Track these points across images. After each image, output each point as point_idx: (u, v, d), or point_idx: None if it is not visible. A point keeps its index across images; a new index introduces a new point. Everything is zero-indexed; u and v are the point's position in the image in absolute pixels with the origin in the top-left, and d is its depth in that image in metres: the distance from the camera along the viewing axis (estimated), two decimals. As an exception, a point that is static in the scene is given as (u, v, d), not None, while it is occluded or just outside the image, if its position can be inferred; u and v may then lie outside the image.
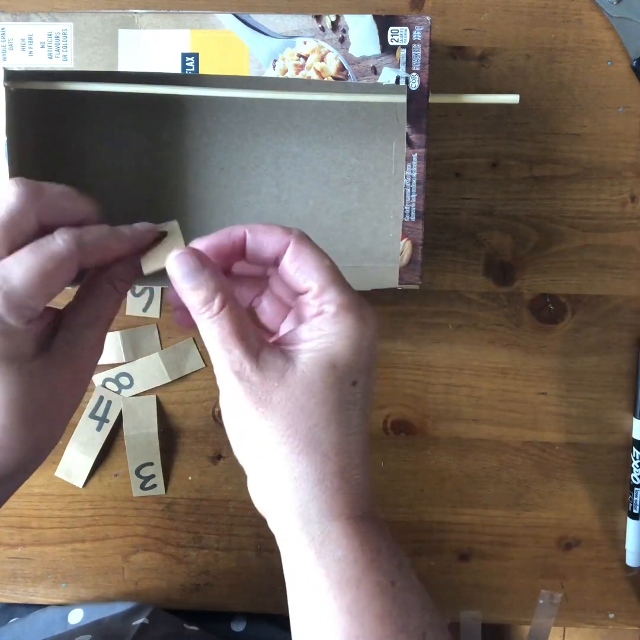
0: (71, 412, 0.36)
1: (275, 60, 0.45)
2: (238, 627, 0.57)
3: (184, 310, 0.33)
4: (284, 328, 0.36)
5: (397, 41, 0.45)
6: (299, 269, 0.32)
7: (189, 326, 0.34)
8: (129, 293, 0.54)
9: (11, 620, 0.57)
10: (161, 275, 0.44)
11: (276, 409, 0.30)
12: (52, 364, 0.33)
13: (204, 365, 0.55)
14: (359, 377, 0.31)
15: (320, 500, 0.30)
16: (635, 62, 0.51)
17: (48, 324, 0.34)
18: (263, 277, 0.37)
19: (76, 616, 0.55)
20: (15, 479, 0.35)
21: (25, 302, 0.30)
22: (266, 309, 0.36)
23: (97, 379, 0.55)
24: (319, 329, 0.31)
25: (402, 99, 0.43)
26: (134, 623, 0.51)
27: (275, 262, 0.33)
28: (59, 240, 0.31)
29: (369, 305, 0.32)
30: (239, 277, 0.36)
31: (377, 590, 0.30)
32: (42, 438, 0.35)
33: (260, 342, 0.31)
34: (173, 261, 0.31)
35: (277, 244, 0.32)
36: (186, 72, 0.45)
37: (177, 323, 0.35)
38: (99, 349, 0.36)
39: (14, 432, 0.32)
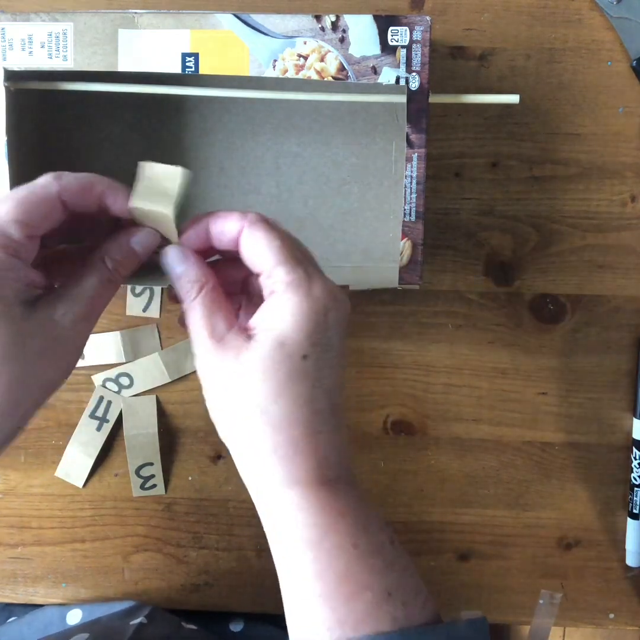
0: (45, 395, 0.35)
1: (275, 60, 0.45)
2: (236, 627, 0.57)
3: None
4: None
5: (397, 41, 0.45)
6: (251, 251, 0.34)
7: None
8: (129, 293, 0.54)
9: (9, 620, 0.56)
10: (161, 274, 0.44)
11: (232, 385, 0.32)
12: (36, 324, 0.33)
13: (204, 365, 0.55)
14: (310, 351, 0.32)
15: (277, 468, 0.32)
16: (635, 62, 0.51)
17: (36, 282, 0.34)
18: None
19: (75, 616, 0.55)
20: None
21: (4, 226, 0.32)
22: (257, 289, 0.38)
23: (97, 379, 0.55)
24: (270, 310, 0.33)
25: (402, 99, 0.43)
26: (132, 622, 0.51)
27: (236, 246, 0.35)
28: (41, 179, 0.33)
29: (323, 280, 0.33)
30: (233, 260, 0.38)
31: (337, 551, 0.32)
32: (21, 415, 0.35)
33: (227, 327, 0.33)
34: (168, 252, 0.35)
35: (233, 228, 0.34)
36: (186, 72, 0.45)
37: (181, 325, 0.37)
38: (83, 333, 0.35)
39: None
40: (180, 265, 0.35)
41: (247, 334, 0.33)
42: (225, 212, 0.35)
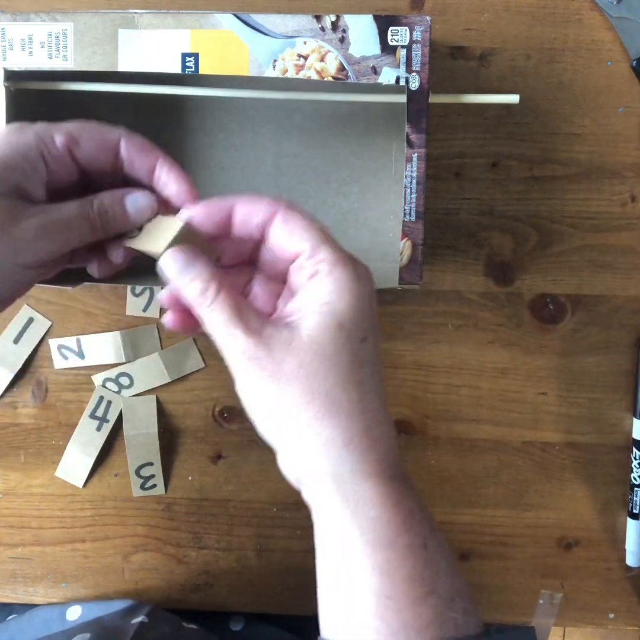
0: None
1: (275, 60, 0.45)
2: (236, 626, 0.57)
3: (176, 312, 0.34)
4: (280, 307, 0.36)
5: (397, 41, 0.45)
6: (289, 233, 0.32)
7: (182, 329, 0.35)
8: (129, 293, 0.54)
9: (9, 617, 0.57)
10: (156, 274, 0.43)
11: (290, 379, 0.30)
12: (3, 212, 0.34)
13: (204, 365, 0.55)
14: (367, 333, 0.31)
15: (351, 461, 0.30)
16: (635, 62, 0.51)
17: (34, 194, 0.35)
18: (249, 264, 0.37)
19: (74, 613, 0.55)
20: None
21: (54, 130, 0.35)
22: (258, 294, 0.36)
23: (97, 379, 0.55)
24: (317, 291, 0.31)
25: (402, 99, 0.43)
26: (133, 621, 0.51)
27: (263, 232, 0.33)
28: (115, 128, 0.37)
29: (362, 263, 0.32)
30: (226, 268, 0.37)
31: (409, 551, 0.30)
32: None
33: (261, 320, 0.31)
34: (167, 258, 0.33)
35: (264, 212, 0.33)
36: (186, 72, 0.45)
37: (170, 327, 0.35)
38: (41, 253, 0.35)
39: None
40: (190, 267, 0.32)
41: (286, 322, 0.32)
42: (255, 196, 0.33)
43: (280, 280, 0.36)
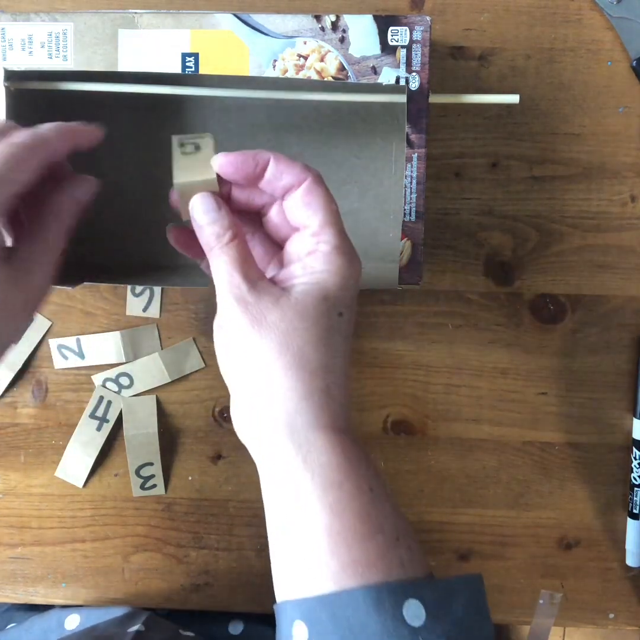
0: (13, 336, 0.38)
1: (275, 60, 0.45)
2: (236, 629, 0.57)
3: (180, 231, 0.37)
4: (270, 272, 0.38)
5: (397, 41, 0.45)
6: (307, 204, 0.35)
7: (181, 246, 0.38)
8: (129, 293, 0.54)
9: (8, 626, 0.56)
10: (161, 274, 0.43)
11: (271, 327, 0.33)
12: (12, 280, 0.35)
13: (204, 365, 0.55)
14: (345, 310, 0.34)
15: (307, 412, 0.33)
16: (635, 62, 0.51)
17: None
18: (255, 222, 0.39)
19: (73, 621, 0.55)
20: None
21: None
22: (255, 249, 0.39)
23: (97, 379, 0.55)
24: (311, 267, 0.34)
25: (402, 99, 0.43)
26: (129, 630, 0.51)
27: (285, 194, 0.35)
28: (21, 133, 0.36)
29: (357, 256, 0.36)
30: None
31: (357, 492, 0.32)
32: None
33: (259, 275, 0.34)
34: (197, 199, 0.35)
35: (295, 176, 0.35)
36: (186, 72, 0.45)
37: (172, 241, 0.38)
38: (48, 281, 0.37)
39: None
40: (214, 212, 0.35)
41: (278, 286, 0.34)
42: (290, 158, 0.35)
43: (276, 244, 0.38)
